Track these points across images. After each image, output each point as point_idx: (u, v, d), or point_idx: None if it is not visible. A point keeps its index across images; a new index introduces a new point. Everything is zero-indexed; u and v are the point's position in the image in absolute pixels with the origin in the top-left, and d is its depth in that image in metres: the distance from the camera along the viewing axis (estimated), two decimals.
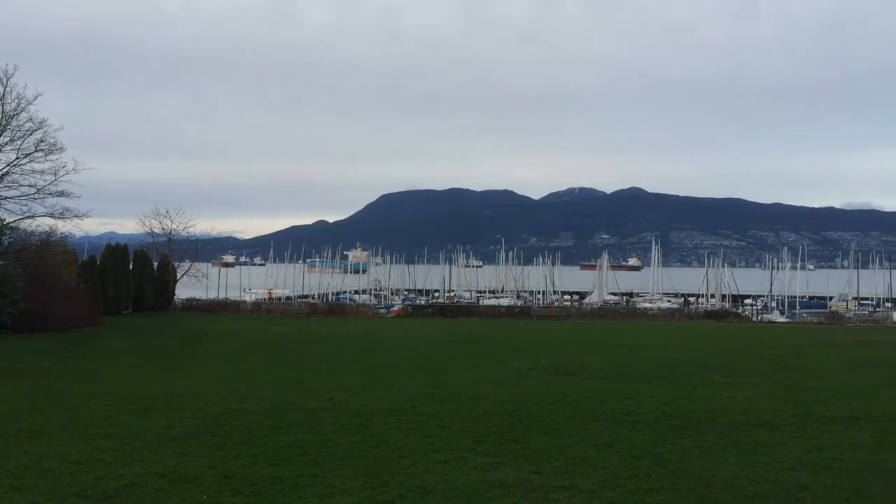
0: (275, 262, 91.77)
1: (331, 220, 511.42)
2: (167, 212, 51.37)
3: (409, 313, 50.13)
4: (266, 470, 8.04)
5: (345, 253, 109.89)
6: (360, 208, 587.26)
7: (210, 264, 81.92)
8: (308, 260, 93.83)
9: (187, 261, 52.75)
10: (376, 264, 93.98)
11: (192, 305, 50.72)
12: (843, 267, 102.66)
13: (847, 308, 63.28)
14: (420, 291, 79.85)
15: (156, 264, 48.19)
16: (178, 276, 50.53)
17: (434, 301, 69.16)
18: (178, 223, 51.43)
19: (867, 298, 69.15)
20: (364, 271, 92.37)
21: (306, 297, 67.49)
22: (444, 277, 78.15)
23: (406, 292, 79.10)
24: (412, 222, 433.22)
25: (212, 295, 58.07)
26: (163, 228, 51.17)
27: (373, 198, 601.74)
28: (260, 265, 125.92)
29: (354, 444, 9.22)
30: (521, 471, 7.88)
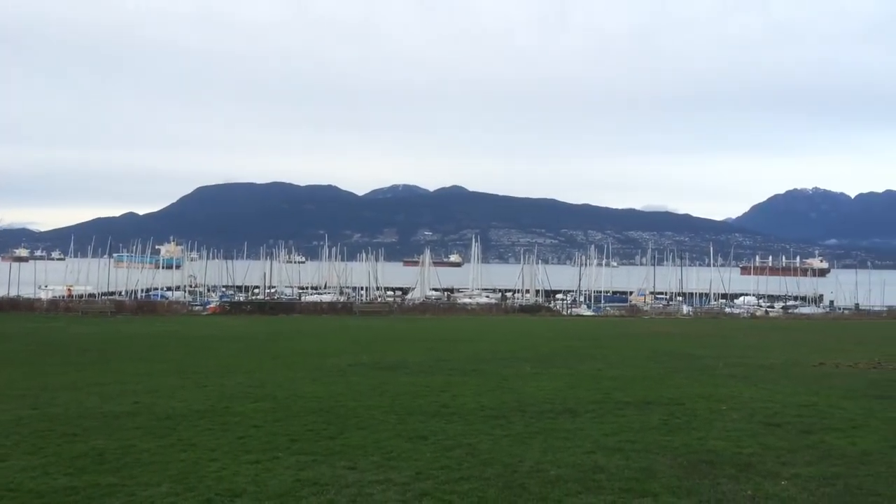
0: (76, 256, 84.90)
1: (141, 212, 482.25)
2: None
3: (226, 310, 48.36)
4: (58, 481, 7.40)
5: (157, 247, 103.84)
6: (174, 201, 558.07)
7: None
8: (115, 254, 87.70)
9: None
10: (191, 259, 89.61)
11: None
12: (641, 264, 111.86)
13: (645, 302, 68.94)
14: (239, 288, 77.26)
15: None
16: None
17: (253, 298, 67.19)
18: None
19: (662, 293, 75.65)
20: (178, 267, 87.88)
21: (112, 294, 63.06)
22: (265, 273, 76.08)
23: (224, 289, 76.18)
24: (231, 216, 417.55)
25: (0, 292, 52.70)
26: None
27: (188, 190, 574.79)
28: (59, 259, 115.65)
29: (159, 449, 8.72)
30: (336, 468, 7.83)
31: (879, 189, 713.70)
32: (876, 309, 62.48)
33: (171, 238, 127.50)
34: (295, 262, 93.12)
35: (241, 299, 63.95)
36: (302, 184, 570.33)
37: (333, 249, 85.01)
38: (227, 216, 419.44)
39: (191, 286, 74.94)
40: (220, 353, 21.28)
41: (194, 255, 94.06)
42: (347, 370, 16.66)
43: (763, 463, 8.01)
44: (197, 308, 53.48)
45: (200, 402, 12.14)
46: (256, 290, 74.90)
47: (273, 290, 74.77)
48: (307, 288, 78.48)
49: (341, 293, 72.70)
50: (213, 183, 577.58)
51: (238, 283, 78.09)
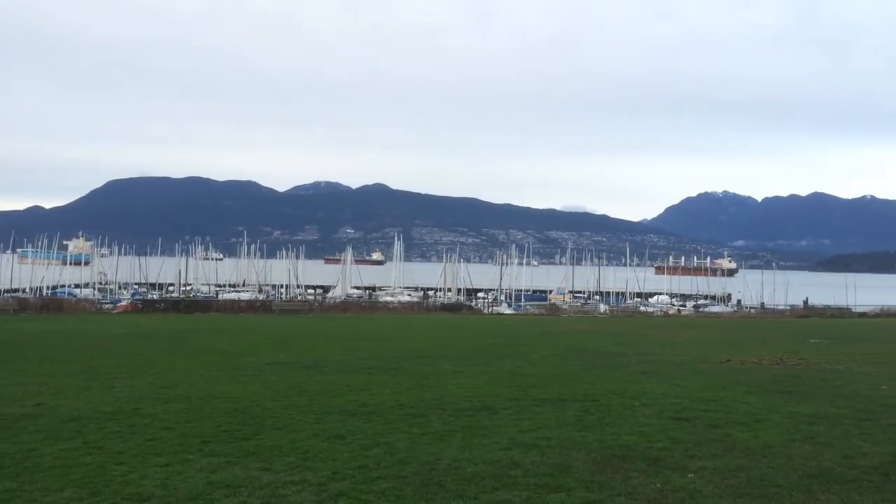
0: None
1: (48, 206, 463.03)
2: None
3: (138, 309, 46.76)
4: None
5: (65, 242, 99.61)
6: (83, 194, 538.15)
7: None
8: (19, 250, 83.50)
9: None
10: (101, 256, 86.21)
11: None
12: (561, 263, 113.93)
13: (564, 300, 70.35)
14: (152, 285, 74.95)
15: None
16: None
17: (168, 295, 65.27)
18: None
19: (580, 291, 77.32)
20: (87, 263, 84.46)
21: (15, 291, 60.01)
22: (180, 270, 73.97)
23: (136, 286, 73.74)
24: (145, 211, 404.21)
25: None
26: None
27: (99, 183, 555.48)
28: None
29: (63, 453, 8.35)
30: (250, 469, 7.67)
31: (784, 193, 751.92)
32: (780, 308, 65.46)
33: (80, 233, 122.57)
34: (212, 259, 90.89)
35: (155, 297, 62.04)
36: (220, 179, 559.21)
37: (253, 246, 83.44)
38: (140, 211, 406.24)
39: (101, 283, 72.14)
40: (130, 352, 20.53)
41: (105, 251, 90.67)
42: (265, 369, 16.35)
43: (672, 456, 8.27)
44: (107, 306, 51.53)
45: (108, 403, 11.70)
46: (171, 288, 72.80)
47: (189, 288, 72.78)
48: (225, 286, 76.81)
49: (260, 291, 71.42)
50: (126, 176, 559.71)
51: (151, 280, 75.78)
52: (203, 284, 75.58)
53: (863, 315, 54.17)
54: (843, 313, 54.90)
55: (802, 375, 15.83)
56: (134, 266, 76.65)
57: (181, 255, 79.72)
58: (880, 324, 41.62)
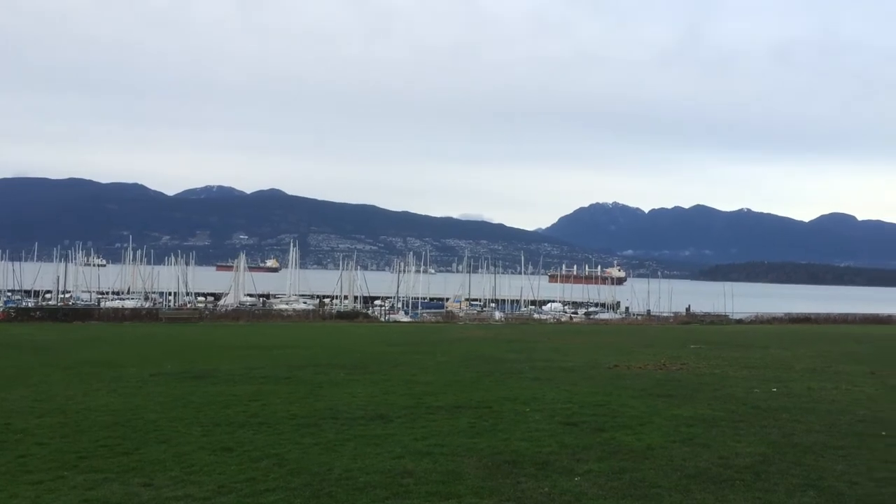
0: None
1: None
2: None
3: (11, 317, 43.98)
4: None
5: None
6: None
7: None
8: None
9: None
10: None
11: None
12: (458, 271, 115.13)
13: (460, 308, 71.14)
14: (28, 293, 70.76)
15: None
16: None
17: (45, 303, 61.69)
18: None
19: (476, 299, 78.41)
20: None
21: None
22: (59, 276, 70.09)
23: (9, 293, 69.35)
24: (21, 214, 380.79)
25: None
26: None
27: None
28: None
29: None
30: (130, 485, 7.32)
31: (669, 205, 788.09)
32: (664, 315, 68.55)
33: None
34: (94, 265, 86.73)
35: (30, 305, 58.52)
36: (104, 181, 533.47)
37: (139, 252, 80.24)
38: (15, 214, 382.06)
39: None
40: (1, 363, 19.22)
41: None
42: (149, 380, 15.66)
43: (560, 461, 8.47)
44: None
45: None
46: (48, 296, 68.88)
47: (68, 296, 69.09)
48: (108, 293, 73.40)
49: (146, 299, 68.66)
50: (0, 177, 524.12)
51: (27, 287, 71.66)
52: (84, 292, 72.02)
53: (739, 322, 57.36)
54: (721, 320, 58.03)
55: (683, 379, 16.55)
56: (7, 272, 72.13)
57: (59, 261, 75.60)
58: (755, 330, 44.19)
